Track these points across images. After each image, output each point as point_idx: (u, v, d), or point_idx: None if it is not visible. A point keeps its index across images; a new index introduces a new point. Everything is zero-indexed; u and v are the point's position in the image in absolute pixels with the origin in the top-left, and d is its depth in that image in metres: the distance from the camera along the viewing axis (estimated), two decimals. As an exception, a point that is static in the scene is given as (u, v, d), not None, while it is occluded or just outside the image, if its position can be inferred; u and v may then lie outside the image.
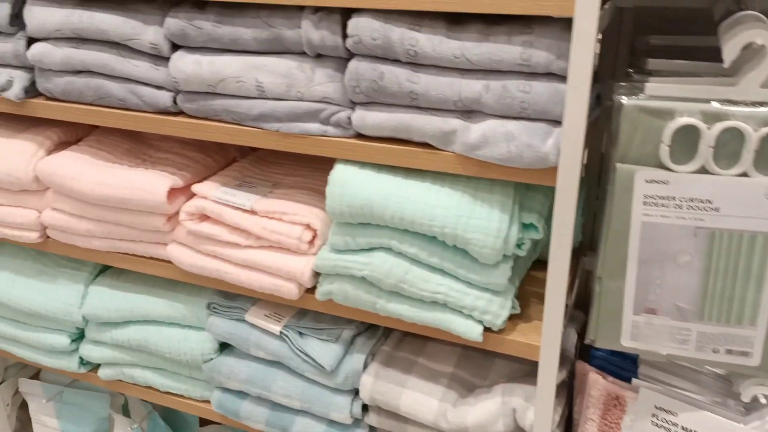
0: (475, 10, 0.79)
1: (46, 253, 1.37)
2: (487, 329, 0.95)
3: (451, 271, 0.94)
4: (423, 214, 0.90)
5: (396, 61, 0.87)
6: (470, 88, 0.83)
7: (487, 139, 0.83)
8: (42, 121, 1.29)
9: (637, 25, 1.03)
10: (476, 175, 0.88)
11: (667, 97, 0.78)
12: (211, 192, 1.08)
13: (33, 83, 1.16)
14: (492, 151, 0.83)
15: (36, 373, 1.63)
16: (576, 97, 0.76)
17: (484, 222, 0.88)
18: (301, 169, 1.18)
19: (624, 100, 0.78)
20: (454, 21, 0.84)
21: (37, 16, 1.08)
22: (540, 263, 1.05)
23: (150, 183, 1.10)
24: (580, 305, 1.12)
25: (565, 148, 0.79)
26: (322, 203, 1.06)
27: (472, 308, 0.93)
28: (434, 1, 0.80)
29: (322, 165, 1.17)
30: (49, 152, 1.24)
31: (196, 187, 1.10)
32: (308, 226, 1.04)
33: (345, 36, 0.89)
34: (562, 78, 0.80)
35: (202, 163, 1.20)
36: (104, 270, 1.36)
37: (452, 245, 0.92)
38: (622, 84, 0.80)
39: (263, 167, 1.19)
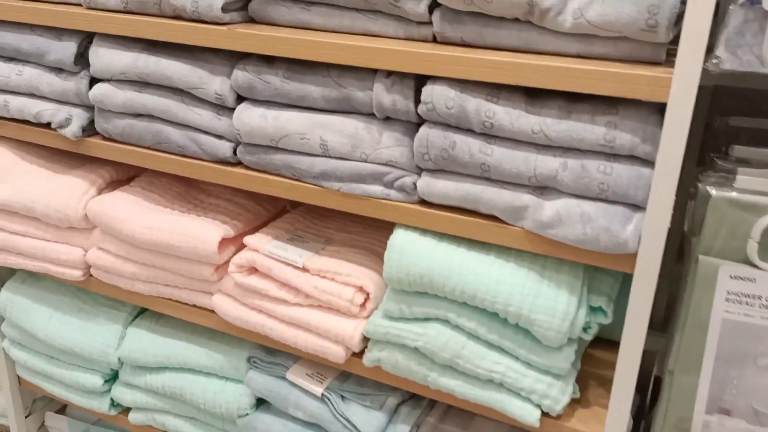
0: (559, 88, 0.76)
1: (85, 290, 1.35)
2: (544, 414, 0.90)
3: (511, 350, 0.89)
4: (486, 289, 0.86)
5: (469, 131, 0.84)
6: (546, 164, 0.80)
7: (561, 219, 0.80)
8: (95, 159, 1.28)
9: (714, 104, 1.00)
10: (546, 254, 0.84)
11: (758, 191, 0.74)
12: (263, 245, 1.06)
13: (91, 122, 1.16)
14: (566, 232, 0.80)
15: (63, 407, 1.61)
16: (663, 184, 0.72)
17: (551, 303, 0.84)
18: (354, 225, 1.16)
19: (712, 191, 0.74)
20: (534, 94, 0.82)
21: (102, 58, 1.08)
22: (597, 340, 1.01)
23: (202, 232, 1.08)
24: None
25: (647, 236, 0.75)
26: (376, 264, 1.03)
27: (531, 391, 0.88)
28: (515, 75, 0.78)
29: (376, 222, 1.15)
30: (101, 191, 1.23)
31: (248, 239, 1.08)
32: (361, 289, 1.00)
33: (417, 101, 0.87)
34: (645, 162, 0.76)
35: (253, 212, 1.18)
36: (143, 311, 1.33)
37: (514, 323, 0.88)
38: (710, 173, 0.76)
39: (315, 220, 1.17)
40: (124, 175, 1.28)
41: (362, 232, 1.14)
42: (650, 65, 0.75)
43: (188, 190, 1.24)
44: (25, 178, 1.26)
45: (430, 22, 0.87)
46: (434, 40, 0.88)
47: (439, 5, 0.85)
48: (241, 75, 0.98)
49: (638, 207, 0.78)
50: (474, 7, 0.80)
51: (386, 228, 1.12)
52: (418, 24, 0.88)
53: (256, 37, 0.93)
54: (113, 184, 1.26)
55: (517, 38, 0.81)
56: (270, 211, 1.21)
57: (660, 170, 0.72)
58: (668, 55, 0.75)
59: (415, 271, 0.90)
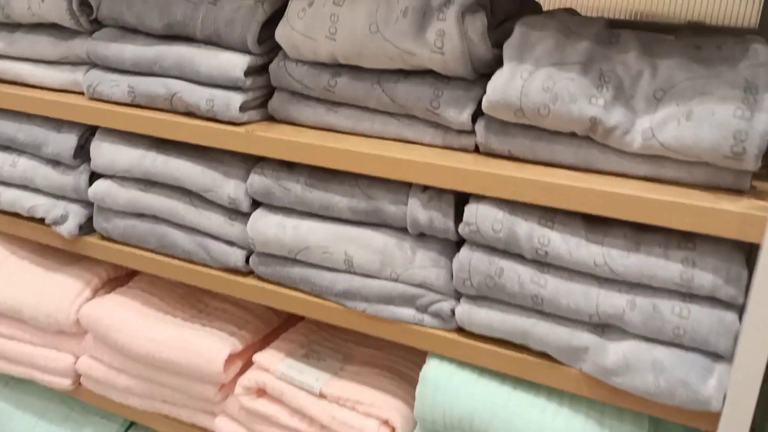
0: (628, 218, 0.66)
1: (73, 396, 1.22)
2: None
3: (563, 507, 0.77)
4: (537, 439, 0.75)
5: (518, 256, 0.74)
6: (610, 301, 0.70)
7: (628, 365, 0.69)
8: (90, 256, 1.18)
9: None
10: (608, 402, 0.73)
11: None
12: (275, 365, 0.94)
13: (89, 219, 1.06)
14: (634, 381, 0.68)
15: None
16: (755, 338, 0.62)
17: (613, 458, 0.73)
18: (373, 339, 1.04)
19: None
20: (594, 219, 0.72)
21: (105, 154, 0.99)
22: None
23: (207, 349, 0.96)
24: None
25: (735, 395, 0.64)
26: (402, 391, 0.92)
27: None
28: (575, 200, 0.68)
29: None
30: (96, 291, 1.12)
31: (258, 357, 0.96)
32: (386, 423, 0.88)
33: (456, 217, 0.77)
34: (728, 305, 0.66)
35: (263, 318, 1.07)
36: (133, 424, 1.20)
37: (567, 477, 0.76)
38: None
39: (332, 331, 1.06)
40: (122, 272, 1.18)
41: (385, 347, 1.02)
42: (734, 194, 0.66)
43: (192, 292, 1.13)
44: (13, 275, 1.15)
45: (473, 131, 0.78)
46: (476, 150, 0.79)
47: (483, 113, 0.76)
48: (258, 180, 0.88)
49: (719, 356, 0.67)
50: (525, 120, 0.72)
51: (413, 347, 1.01)
52: (458, 132, 0.79)
53: (278, 142, 0.84)
54: (111, 283, 1.15)
55: (574, 155, 0.72)
56: (281, 316, 1.10)
57: (752, 320, 0.61)
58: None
59: (454, 413, 0.78)
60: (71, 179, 1.04)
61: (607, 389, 0.72)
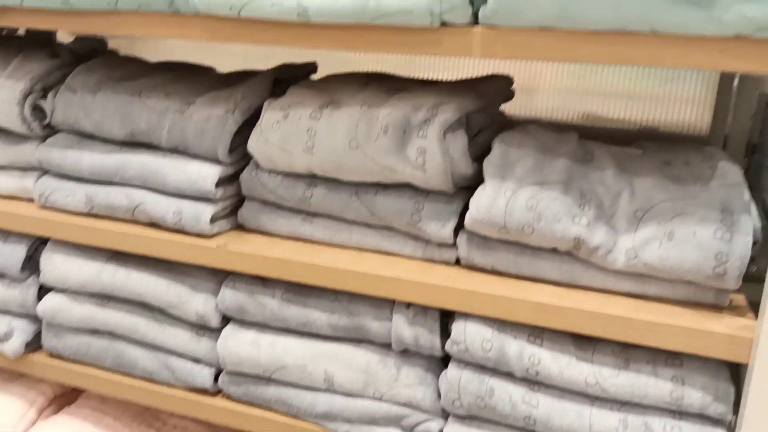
0: (618, 339, 0.67)
1: None
2: None
3: None
4: None
5: (508, 375, 0.73)
6: (603, 420, 0.69)
7: (625, 485, 0.68)
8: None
9: None
10: None
11: None
12: (246, 489, 0.88)
13: (36, 336, 0.99)
14: (632, 502, 0.68)
15: None
16: (751, 456, 0.62)
17: None
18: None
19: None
20: (581, 335, 0.72)
21: (58, 267, 0.93)
22: None
23: (170, 476, 0.90)
24: None
25: None
26: None
27: None
28: (564, 320, 0.68)
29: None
30: (41, 412, 1.03)
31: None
32: None
33: (443, 335, 0.76)
34: (717, 422, 0.67)
35: (226, 433, 1.01)
36: None
37: None
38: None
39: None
40: (68, 388, 1.09)
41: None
42: (714, 310, 0.67)
43: (148, 408, 1.06)
44: (-55, 397, 1.05)
45: (454, 245, 0.77)
46: (457, 262, 0.79)
47: (463, 226, 0.76)
48: (230, 294, 0.85)
49: (714, 472, 0.67)
50: (509, 237, 0.72)
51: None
52: (439, 246, 0.79)
53: (252, 257, 0.81)
54: (56, 400, 1.06)
55: (558, 271, 0.72)
56: (245, 428, 1.04)
57: (747, 440, 0.62)
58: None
59: None
60: (17, 293, 0.97)
61: None
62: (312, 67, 1.04)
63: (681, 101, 1.02)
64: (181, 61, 1.08)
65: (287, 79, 0.95)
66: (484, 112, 0.81)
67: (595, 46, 0.61)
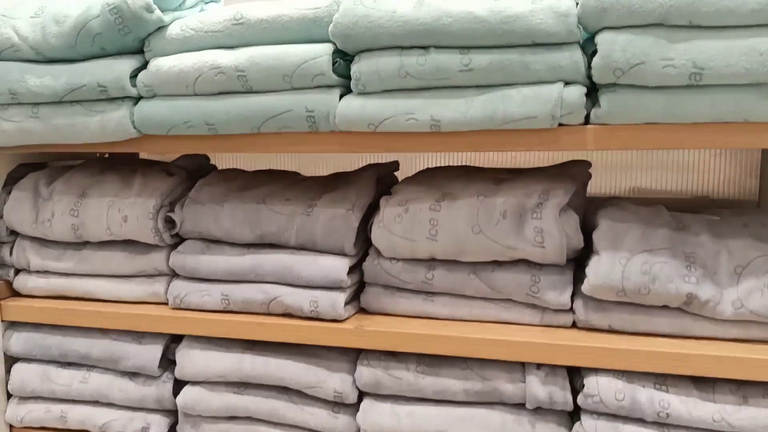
0: (738, 377, 0.78)
1: None
2: None
3: None
4: None
5: (639, 420, 0.83)
6: (732, 452, 0.79)
7: None
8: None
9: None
10: None
11: None
12: None
13: (171, 428, 1.06)
14: None
15: None
16: None
17: None
18: None
19: None
20: (698, 377, 0.83)
21: (196, 361, 1.02)
22: None
23: None
24: None
25: None
26: None
27: None
28: (688, 366, 0.79)
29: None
30: (172, 503, 1.09)
31: None
32: None
33: (573, 391, 0.86)
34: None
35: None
36: None
37: None
38: None
39: None
40: (189, 477, 1.15)
41: None
42: (815, 346, 0.79)
43: (270, 489, 1.12)
44: (78, 497, 1.10)
45: (570, 310, 0.89)
46: (573, 325, 0.89)
47: (575, 293, 0.88)
48: (367, 371, 0.94)
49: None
50: (626, 299, 0.83)
51: None
52: (556, 312, 0.90)
53: (387, 335, 0.91)
54: (182, 492, 1.12)
55: (671, 325, 0.84)
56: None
57: None
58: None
59: None
60: (153, 390, 1.05)
61: None
62: (396, 166, 1.17)
63: (730, 171, 1.17)
64: (271, 168, 1.21)
65: (380, 178, 1.09)
66: (577, 194, 0.94)
67: (695, 135, 0.74)
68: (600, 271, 0.83)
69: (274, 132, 0.91)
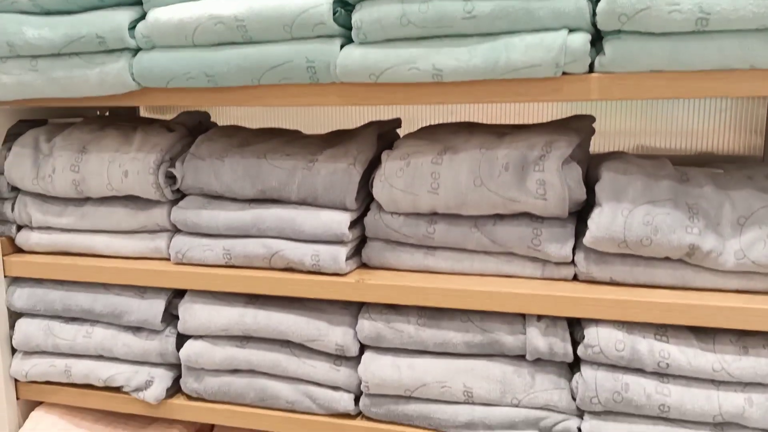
0: (737, 327, 0.78)
1: None
2: None
3: None
4: None
5: (639, 371, 0.83)
6: (730, 401, 0.80)
7: (756, 457, 0.78)
8: (158, 419, 1.16)
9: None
10: (738, 493, 0.81)
11: None
12: (391, 505, 0.96)
13: (174, 381, 1.07)
14: (766, 470, 0.77)
15: None
16: None
17: None
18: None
19: None
20: (700, 329, 0.83)
21: (198, 315, 1.02)
22: None
23: (321, 498, 0.97)
24: None
25: None
26: None
27: None
28: (690, 316, 0.79)
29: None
30: (176, 458, 1.11)
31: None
32: None
33: (573, 343, 0.86)
34: (832, 390, 0.77)
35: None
36: None
37: None
38: None
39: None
40: (192, 431, 1.16)
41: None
42: (816, 297, 0.79)
43: (273, 442, 1.14)
44: (83, 449, 1.12)
45: (572, 263, 0.89)
46: (574, 278, 0.89)
47: (576, 246, 0.87)
48: (368, 324, 0.95)
49: (833, 437, 0.77)
50: (627, 251, 0.83)
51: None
52: (557, 264, 0.90)
53: (389, 288, 0.91)
54: (186, 445, 1.14)
55: (672, 276, 0.84)
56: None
57: None
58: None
59: None
60: (156, 344, 1.05)
61: (738, 482, 0.80)
62: (398, 123, 1.16)
63: (735, 130, 1.16)
64: (273, 127, 1.20)
65: (382, 134, 1.08)
66: (581, 147, 0.93)
67: (701, 83, 0.73)
68: (602, 222, 0.83)
69: (274, 84, 0.90)
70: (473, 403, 0.91)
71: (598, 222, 0.83)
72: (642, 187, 0.84)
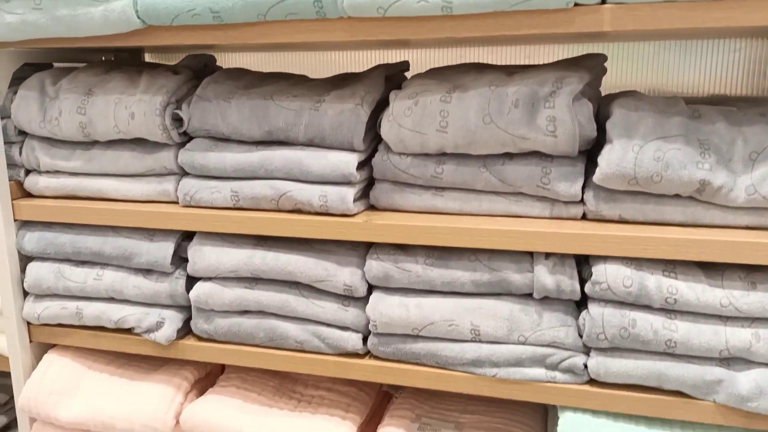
0: (747, 262, 0.77)
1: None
2: None
3: None
4: (685, 471, 0.82)
5: (647, 307, 0.83)
6: (737, 336, 0.80)
7: (761, 391, 0.79)
8: (171, 360, 1.18)
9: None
10: (743, 427, 0.82)
11: None
12: (399, 441, 0.98)
13: (184, 323, 1.08)
14: (770, 403, 0.78)
15: None
16: None
17: (753, 477, 0.81)
18: (474, 404, 1.10)
19: None
20: (708, 265, 0.83)
21: (207, 257, 1.03)
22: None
23: (330, 434, 0.99)
24: None
25: None
26: (526, 450, 0.97)
27: None
28: (699, 252, 0.79)
29: (497, 399, 1.10)
30: (186, 395, 1.12)
31: (381, 436, 1.00)
32: (521, 480, 0.93)
33: (581, 281, 0.87)
34: (839, 325, 0.77)
35: (359, 399, 1.11)
36: None
37: (713, 503, 0.83)
38: None
39: (432, 403, 1.10)
40: (203, 373, 1.18)
41: (487, 410, 1.08)
42: (826, 232, 0.78)
43: (282, 383, 1.16)
44: (96, 390, 1.14)
45: (580, 201, 0.88)
46: (583, 217, 0.89)
47: (586, 184, 0.87)
48: (376, 264, 0.95)
49: (839, 370, 0.78)
50: (638, 187, 0.83)
51: (515, 403, 1.07)
52: (566, 203, 0.89)
53: (397, 228, 0.91)
54: (198, 385, 1.16)
55: (681, 213, 0.83)
56: (371, 395, 1.14)
57: None
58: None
59: (601, 458, 0.85)
60: (166, 286, 1.06)
61: (742, 415, 0.81)
62: (406, 65, 1.15)
63: (748, 69, 1.14)
64: (279, 71, 1.19)
65: (390, 77, 1.07)
66: (592, 85, 0.92)
67: (715, 12, 0.72)
68: (612, 158, 0.82)
69: (280, 20, 0.89)
70: (480, 341, 0.92)
71: (608, 158, 0.82)
72: (653, 123, 0.83)
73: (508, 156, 0.90)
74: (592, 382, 0.89)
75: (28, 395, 1.13)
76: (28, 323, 1.17)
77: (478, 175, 0.91)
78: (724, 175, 0.79)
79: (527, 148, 0.88)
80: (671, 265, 0.83)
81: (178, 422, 1.08)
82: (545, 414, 1.08)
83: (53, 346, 1.20)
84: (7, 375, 1.33)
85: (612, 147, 0.83)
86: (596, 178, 0.84)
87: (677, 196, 0.83)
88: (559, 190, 0.87)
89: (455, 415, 1.07)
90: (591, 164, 0.88)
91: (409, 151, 0.94)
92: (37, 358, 1.18)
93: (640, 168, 0.81)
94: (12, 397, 1.38)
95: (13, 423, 1.37)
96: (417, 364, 0.96)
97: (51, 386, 1.13)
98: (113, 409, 1.09)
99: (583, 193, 0.88)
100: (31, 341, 1.17)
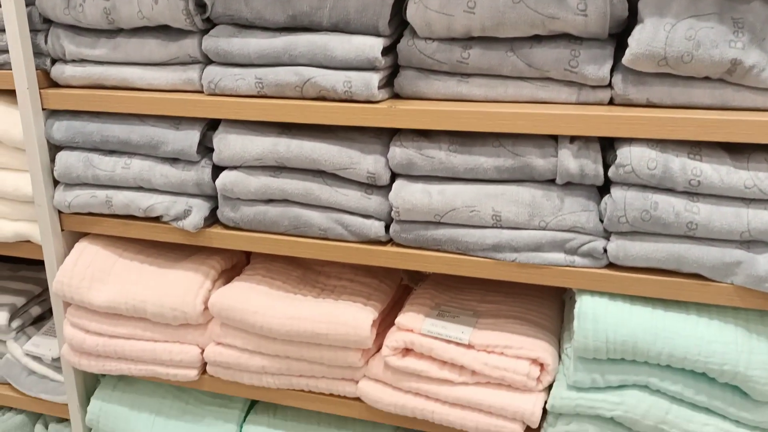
0: (776, 142, 0.77)
1: (186, 389, 1.26)
2: (761, 473, 0.87)
3: (720, 410, 0.87)
4: (698, 350, 0.84)
5: (669, 190, 0.84)
6: (759, 218, 0.80)
7: (780, 271, 0.79)
8: (200, 249, 1.22)
9: None
10: (759, 308, 0.83)
11: None
12: (418, 325, 1.01)
13: (212, 211, 1.11)
14: (788, 284, 0.79)
15: None
16: None
17: (766, 357, 0.83)
18: (492, 294, 1.12)
19: None
20: (733, 148, 0.82)
21: (232, 145, 1.04)
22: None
23: (352, 317, 1.02)
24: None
25: None
26: (542, 334, 1.00)
27: (745, 450, 0.86)
28: (725, 132, 0.78)
29: (515, 290, 1.12)
30: (214, 282, 1.16)
31: (400, 320, 1.03)
32: (535, 361, 0.97)
33: (605, 167, 0.87)
34: None
35: (380, 290, 1.13)
36: (253, 405, 1.25)
37: (724, 382, 0.86)
38: None
39: (450, 293, 1.13)
40: (229, 264, 1.22)
41: (505, 300, 1.10)
42: None
43: (306, 273, 1.19)
44: (127, 277, 1.18)
45: (608, 85, 0.87)
46: (611, 102, 0.88)
47: (614, 68, 0.86)
48: (400, 151, 0.95)
49: None
50: (667, 69, 0.81)
51: (531, 294, 1.10)
52: (593, 88, 0.88)
53: (421, 113, 0.91)
54: (224, 275, 1.19)
55: (710, 96, 0.82)
56: (392, 287, 1.16)
57: None
58: None
59: (616, 339, 0.87)
60: (193, 174, 1.08)
61: (759, 296, 0.82)
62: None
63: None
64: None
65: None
66: (624, -34, 0.89)
67: None
68: (643, 38, 0.81)
69: None
70: (501, 227, 0.93)
71: (639, 38, 0.81)
72: (686, 1, 0.80)
73: (537, 39, 0.89)
74: (610, 266, 0.90)
75: (61, 280, 1.17)
76: (59, 212, 1.20)
77: (505, 59, 0.90)
78: (757, 55, 0.78)
79: (556, 30, 0.87)
80: (697, 147, 0.82)
81: (206, 308, 1.12)
82: (562, 306, 1.11)
83: (84, 235, 1.23)
84: (40, 268, 1.37)
85: (643, 26, 0.81)
86: (625, 59, 0.83)
87: (707, 78, 0.82)
88: (587, 72, 0.86)
89: (473, 304, 1.10)
90: (620, 51, 0.86)
91: (435, 35, 0.93)
92: (69, 247, 1.22)
93: (671, 47, 0.79)
94: (45, 289, 1.43)
95: (47, 313, 1.42)
96: (438, 250, 0.98)
97: (83, 272, 1.17)
98: (144, 293, 1.14)
99: (611, 77, 0.86)
100: (62, 230, 1.21)
